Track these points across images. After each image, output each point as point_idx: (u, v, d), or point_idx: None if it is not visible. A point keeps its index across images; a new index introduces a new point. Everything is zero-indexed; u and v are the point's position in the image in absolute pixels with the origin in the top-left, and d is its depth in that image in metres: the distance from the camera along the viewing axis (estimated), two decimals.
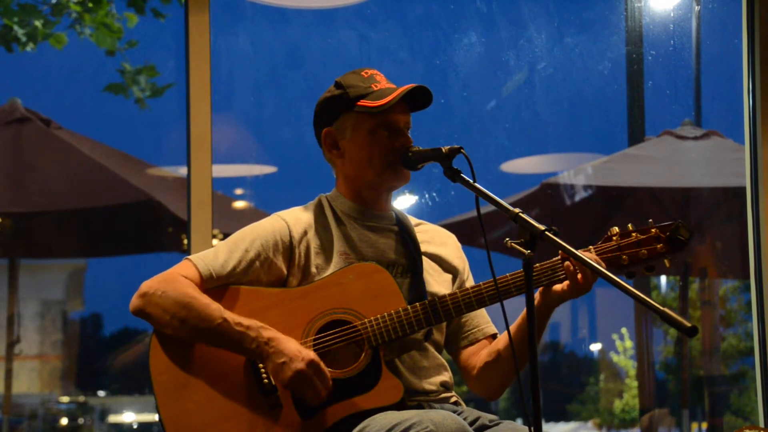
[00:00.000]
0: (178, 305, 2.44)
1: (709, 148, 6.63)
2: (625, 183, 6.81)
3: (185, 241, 4.19)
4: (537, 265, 2.47)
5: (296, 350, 2.40)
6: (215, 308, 2.44)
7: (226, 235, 2.62)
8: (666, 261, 2.46)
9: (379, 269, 2.53)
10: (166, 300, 2.45)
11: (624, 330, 12.99)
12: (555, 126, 7.99)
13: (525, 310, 2.50)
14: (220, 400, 2.46)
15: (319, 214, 2.65)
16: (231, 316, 2.43)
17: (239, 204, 7.42)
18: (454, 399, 2.61)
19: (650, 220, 2.47)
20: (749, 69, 4.36)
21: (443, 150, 2.44)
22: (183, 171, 5.33)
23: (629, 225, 2.48)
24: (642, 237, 2.46)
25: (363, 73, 2.62)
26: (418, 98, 2.60)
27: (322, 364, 2.41)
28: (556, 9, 6.82)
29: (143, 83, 6.72)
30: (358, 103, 2.56)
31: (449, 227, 2.85)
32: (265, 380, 2.46)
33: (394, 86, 2.59)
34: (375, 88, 2.58)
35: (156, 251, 7.56)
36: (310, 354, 2.41)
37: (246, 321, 2.43)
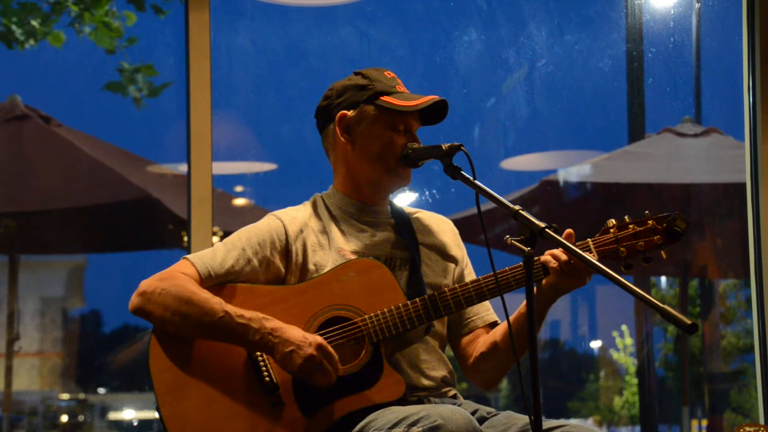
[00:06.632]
0: (179, 301, 2.44)
1: (709, 145, 6.63)
2: (625, 180, 6.81)
3: (185, 239, 4.19)
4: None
5: (302, 336, 2.41)
6: (216, 302, 2.44)
7: (226, 233, 2.63)
8: (663, 252, 2.46)
9: (378, 265, 2.53)
10: (166, 297, 2.45)
11: (624, 327, 13.00)
12: (555, 123, 8.00)
13: (522, 303, 2.52)
14: (221, 398, 2.46)
15: (314, 212, 2.65)
16: (232, 309, 2.43)
17: (239, 201, 7.43)
18: (452, 393, 2.61)
19: (647, 212, 2.48)
20: (749, 66, 4.36)
21: (443, 147, 2.44)
22: (183, 168, 5.33)
23: (626, 217, 2.48)
24: (639, 229, 2.46)
25: (386, 73, 2.64)
26: (429, 113, 2.63)
27: (329, 348, 2.41)
28: (556, 6, 6.82)
29: (141, 82, 6.72)
30: (383, 98, 2.58)
31: None
32: (267, 378, 2.46)
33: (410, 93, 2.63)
34: (398, 90, 2.60)
35: (156, 248, 7.57)
36: (317, 338, 2.41)
37: (248, 313, 2.43)
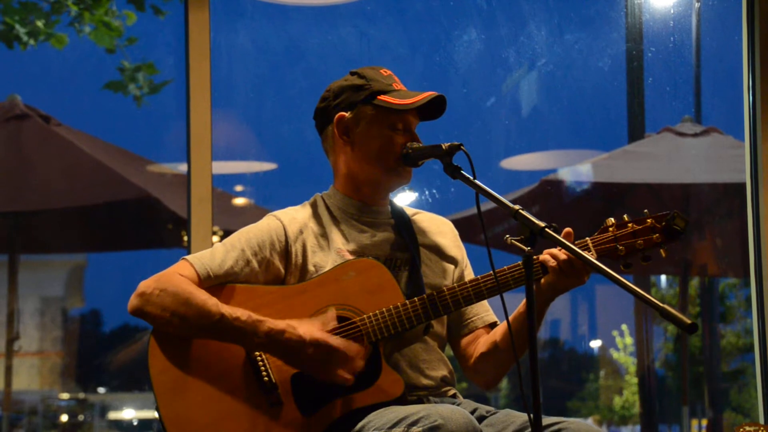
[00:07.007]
0: (177, 302, 2.43)
1: (708, 144, 6.63)
2: (624, 180, 6.81)
3: (185, 238, 4.19)
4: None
5: (298, 339, 2.39)
6: (213, 304, 2.43)
7: (226, 232, 2.63)
8: (662, 251, 2.46)
9: (377, 264, 2.53)
10: (165, 298, 2.44)
11: (624, 327, 13.01)
12: (555, 123, 8.00)
13: (521, 303, 2.52)
14: (220, 398, 2.46)
15: (314, 212, 2.65)
16: (228, 311, 2.42)
17: (239, 201, 7.43)
18: (452, 392, 2.61)
19: (645, 211, 2.47)
20: (749, 65, 4.36)
21: (443, 147, 2.43)
22: (183, 168, 5.34)
23: (625, 216, 2.48)
24: (638, 227, 2.45)
25: (382, 71, 2.63)
26: (427, 109, 2.62)
27: (329, 340, 2.39)
28: (555, 5, 6.82)
29: (141, 80, 6.72)
30: (381, 97, 2.57)
31: None
32: (266, 378, 2.45)
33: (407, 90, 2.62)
34: (395, 88, 2.60)
35: (156, 248, 7.58)
36: (315, 335, 2.40)
37: (243, 315, 2.42)
